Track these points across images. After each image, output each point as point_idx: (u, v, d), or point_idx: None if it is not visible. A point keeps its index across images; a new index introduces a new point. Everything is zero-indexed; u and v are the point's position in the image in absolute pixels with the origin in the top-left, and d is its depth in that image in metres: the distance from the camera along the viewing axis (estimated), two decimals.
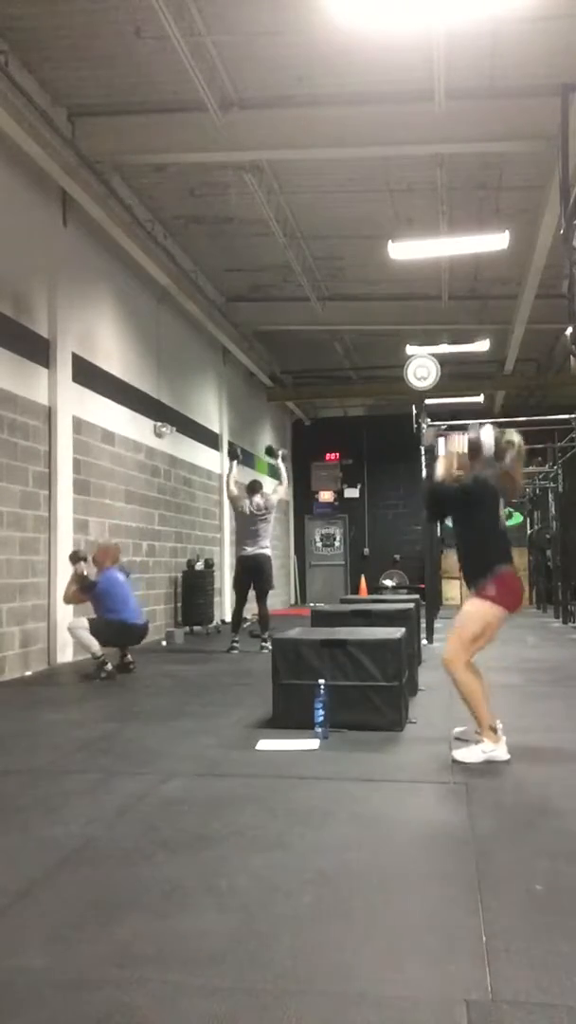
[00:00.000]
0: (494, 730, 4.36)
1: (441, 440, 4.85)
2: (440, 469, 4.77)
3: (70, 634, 7.68)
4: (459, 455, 4.71)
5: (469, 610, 4.51)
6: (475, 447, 4.63)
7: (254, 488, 9.85)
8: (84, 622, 7.53)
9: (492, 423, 4.74)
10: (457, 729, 4.77)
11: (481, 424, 4.69)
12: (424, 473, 4.87)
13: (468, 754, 4.34)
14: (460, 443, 4.74)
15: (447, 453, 4.81)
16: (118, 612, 7.67)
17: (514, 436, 4.75)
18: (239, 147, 8.83)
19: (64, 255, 9.01)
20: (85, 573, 7.68)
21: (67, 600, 7.96)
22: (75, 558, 7.81)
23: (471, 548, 4.65)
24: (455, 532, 4.82)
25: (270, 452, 10.73)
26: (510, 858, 3.00)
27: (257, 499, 9.70)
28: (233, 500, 9.90)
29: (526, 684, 7.12)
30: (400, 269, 12.17)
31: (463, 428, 4.81)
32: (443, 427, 11.79)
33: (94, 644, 7.45)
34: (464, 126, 8.45)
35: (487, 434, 4.65)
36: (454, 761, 4.30)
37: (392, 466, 20.18)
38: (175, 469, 12.62)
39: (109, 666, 7.43)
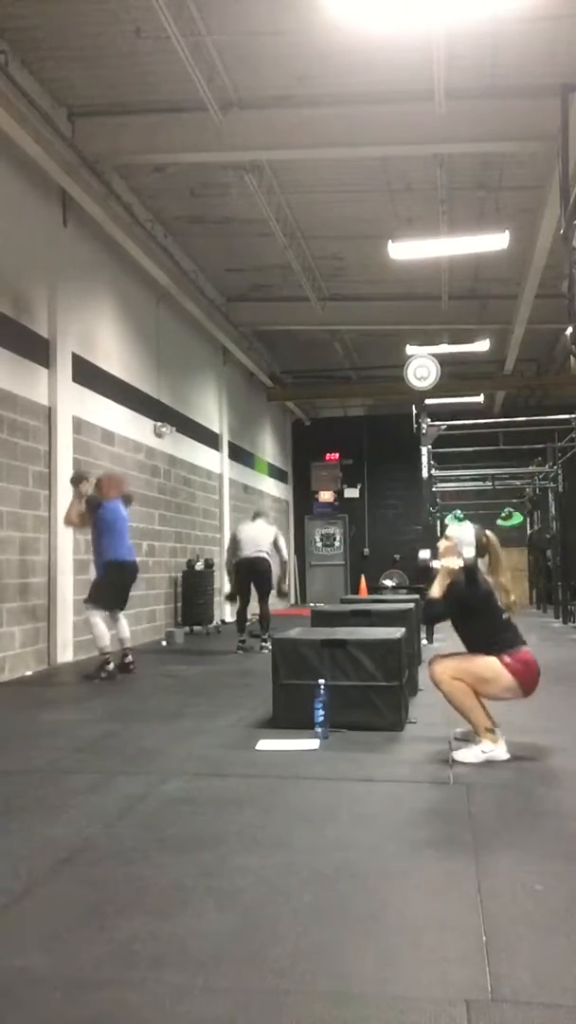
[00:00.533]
0: (491, 731, 4.37)
1: (435, 561, 4.79)
2: (436, 589, 4.63)
3: (88, 622, 7.69)
4: (450, 570, 4.60)
5: (488, 659, 4.39)
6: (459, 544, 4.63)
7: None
8: (98, 614, 7.54)
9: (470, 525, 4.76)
10: (457, 730, 4.77)
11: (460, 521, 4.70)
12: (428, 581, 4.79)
13: (468, 754, 4.34)
14: (452, 559, 4.63)
15: (441, 568, 4.68)
16: (115, 549, 7.70)
17: (488, 533, 4.74)
18: (239, 147, 8.84)
19: (64, 255, 9.01)
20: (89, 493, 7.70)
21: (68, 521, 7.89)
22: (78, 478, 7.81)
23: (475, 644, 4.56)
24: (457, 629, 4.71)
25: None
26: (510, 858, 3.00)
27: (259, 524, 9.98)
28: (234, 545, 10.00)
29: None
30: (400, 269, 12.18)
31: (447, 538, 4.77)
32: (443, 426, 11.82)
33: (104, 638, 7.50)
34: (464, 126, 8.45)
35: (467, 531, 4.68)
36: (454, 761, 4.30)
37: (392, 466, 20.18)
38: (175, 469, 12.62)
39: (111, 666, 7.42)
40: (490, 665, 4.38)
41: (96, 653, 7.67)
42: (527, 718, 5.48)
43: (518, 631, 4.58)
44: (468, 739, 4.55)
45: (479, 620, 4.52)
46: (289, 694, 5.16)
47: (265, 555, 9.70)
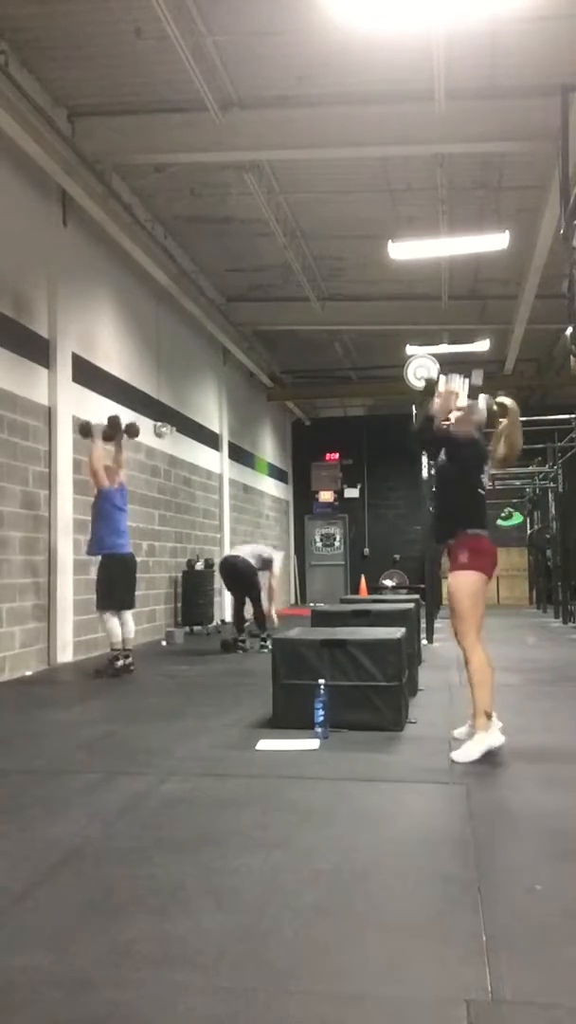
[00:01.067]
0: (488, 717, 4.40)
1: (442, 377, 4.76)
2: (437, 406, 4.69)
3: (100, 619, 7.87)
4: (458, 403, 4.64)
5: (452, 591, 4.57)
6: (472, 408, 4.66)
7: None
8: (109, 614, 7.77)
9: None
10: (456, 731, 4.77)
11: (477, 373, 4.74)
12: (421, 411, 4.78)
13: (465, 753, 4.34)
14: (460, 384, 4.69)
15: (446, 391, 4.72)
16: (112, 541, 7.85)
17: (506, 400, 4.76)
18: (239, 147, 8.84)
19: (64, 255, 9.01)
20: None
21: (95, 466, 7.89)
22: (86, 430, 8.03)
23: (452, 504, 4.69)
24: (436, 484, 4.82)
25: None
26: (510, 858, 3.00)
27: None
28: None
29: (526, 684, 7.11)
30: (400, 269, 12.18)
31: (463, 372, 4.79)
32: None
33: (116, 634, 7.72)
34: (464, 126, 8.45)
35: (481, 398, 4.68)
36: (453, 762, 4.30)
37: (392, 466, 20.18)
38: (175, 469, 12.62)
39: (121, 662, 7.59)
40: (463, 595, 4.48)
41: (108, 650, 7.88)
42: (527, 718, 5.49)
43: (479, 511, 4.67)
44: (466, 740, 4.53)
45: (472, 476, 4.60)
46: (289, 694, 5.16)
47: (244, 557, 9.75)
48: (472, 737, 4.42)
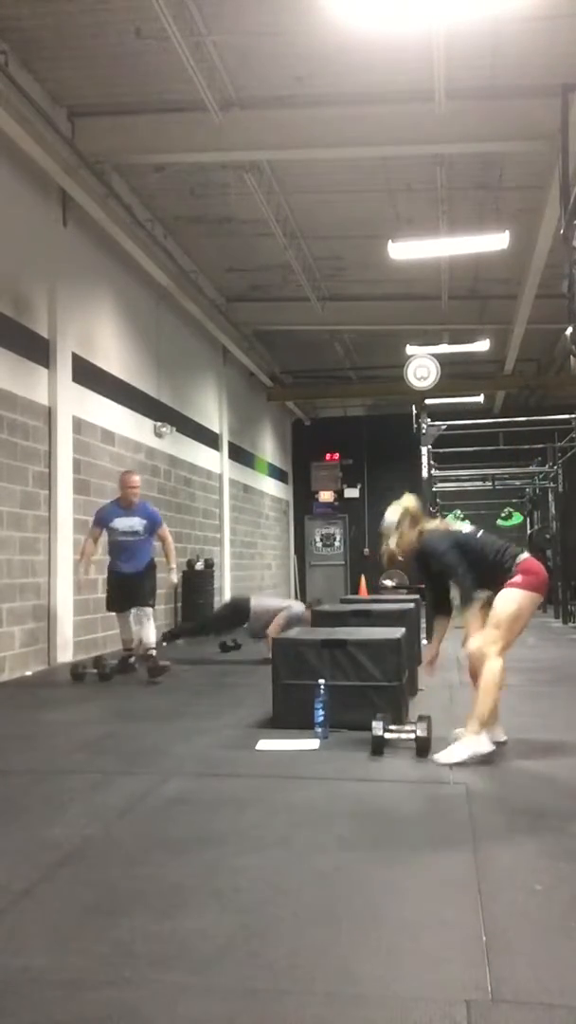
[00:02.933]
0: (483, 725, 4.35)
1: (390, 524, 4.84)
2: (396, 550, 4.75)
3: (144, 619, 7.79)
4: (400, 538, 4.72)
5: (504, 599, 4.49)
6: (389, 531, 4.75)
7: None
8: (118, 616, 8.03)
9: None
10: (459, 730, 4.76)
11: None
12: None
13: (449, 754, 4.30)
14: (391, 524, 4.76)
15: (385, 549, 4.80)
16: (112, 561, 7.94)
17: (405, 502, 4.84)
18: (239, 147, 8.84)
19: (64, 255, 9.01)
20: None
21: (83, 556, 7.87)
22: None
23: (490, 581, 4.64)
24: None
25: None
26: (510, 858, 3.00)
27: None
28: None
29: (526, 684, 7.11)
30: (400, 269, 12.17)
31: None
32: (443, 426, 11.83)
33: (126, 633, 7.98)
34: (464, 126, 8.45)
35: (390, 512, 4.78)
36: (438, 763, 4.25)
37: (392, 466, 20.12)
38: (175, 469, 12.62)
39: (132, 659, 7.81)
40: (510, 603, 4.44)
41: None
42: (527, 718, 5.48)
43: (507, 548, 4.70)
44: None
45: (478, 564, 4.56)
46: (289, 694, 5.16)
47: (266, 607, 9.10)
48: (460, 740, 4.37)
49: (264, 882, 2.79)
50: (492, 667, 4.40)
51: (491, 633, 4.46)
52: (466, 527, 5.12)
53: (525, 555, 4.65)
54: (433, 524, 4.89)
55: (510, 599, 4.47)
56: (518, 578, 4.50)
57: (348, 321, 15.15)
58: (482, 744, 4.33)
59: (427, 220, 11.06)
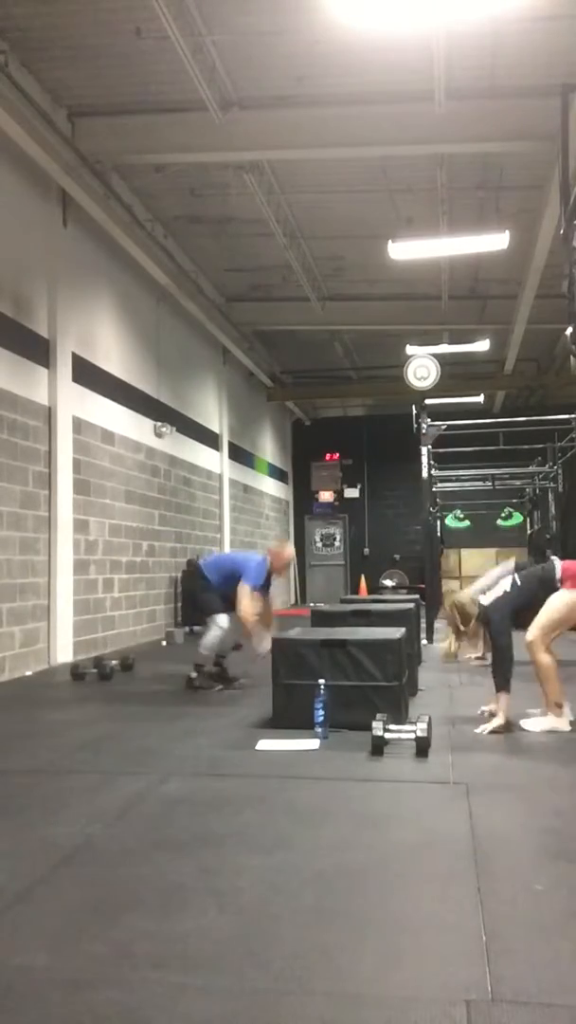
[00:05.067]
0: (560, 706, 5.03)
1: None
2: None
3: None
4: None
5: (555, 601, 5.12)
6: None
7: None
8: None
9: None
10: (484, 708, 5.42)
11: None
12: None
13: (532, 724, 5.04)
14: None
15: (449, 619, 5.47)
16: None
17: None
18: (239, 147, 8.83)
19: (64, 255, 9.01)
20: None
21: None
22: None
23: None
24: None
25: None
26: (510, 858, 3.00)
27: None
28: None
29: (526, 684, 7.10)
30: (400, 269, 12.17)
31: None
32: (443, 426, 11.83)
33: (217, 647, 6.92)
34: (464, 126, 8.45)
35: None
36: (522, 728, 5.00)
37: (392, 466, 20.16)
38: (175, 469, 12.62)
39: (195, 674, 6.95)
40: (560, 604, 5.07)
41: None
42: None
43: (542, 563, 5.50)
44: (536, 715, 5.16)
45: (530, 606, 5.19)
46: (289, 694, 5.16)
47: None
48: (545, 715, 5.10)
49: (264, 882, 2.79)
50: (539, 661, 5.08)
51: (535, 632, 5.10)
52: (500, 573, 6.01)
53: (557, 563, 5.31)
54: (466, 596, 5.47)
55: (563, 604, 5.10)
56: (567, 580, 5.15)
57: (348, 321, 15.15)
58: (560, 723, 5.01)
59: (427, 220, 11.06)
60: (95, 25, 7.30)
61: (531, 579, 5.29)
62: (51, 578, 8.53)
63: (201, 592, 7.07)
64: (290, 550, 7.46)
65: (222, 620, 6.76)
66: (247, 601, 6.54)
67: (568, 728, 4.99)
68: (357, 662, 5.11)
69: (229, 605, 6.70)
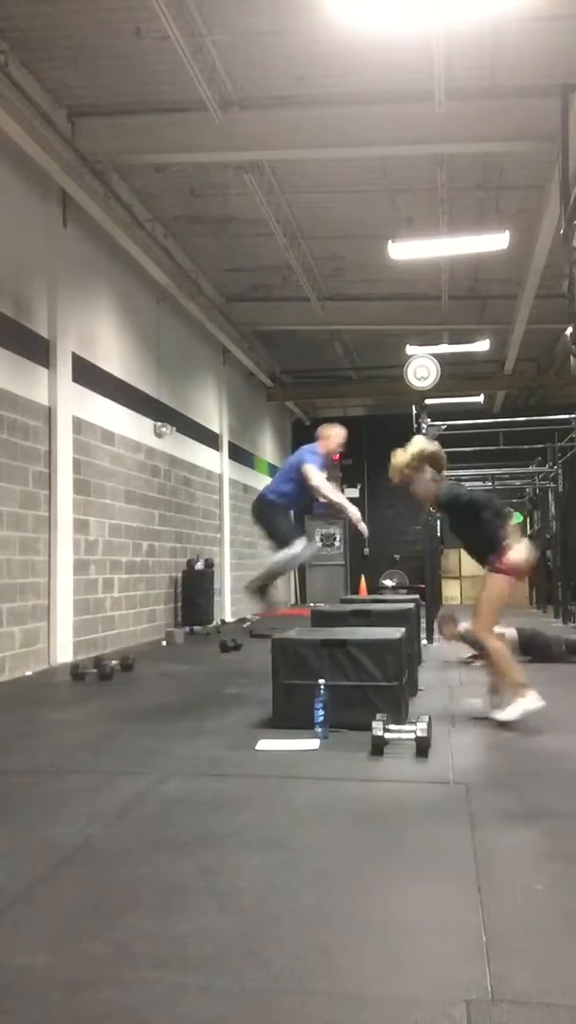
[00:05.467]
0: (524, 685, 5.08)
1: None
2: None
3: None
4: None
5: (489, 587, 5.22)
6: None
7: None
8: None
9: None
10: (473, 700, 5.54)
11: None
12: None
13: (506, 713, 5.05)
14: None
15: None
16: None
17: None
18: (239, 147, 8.83)
19: (64, 255, 9.01)
20: None
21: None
22: None
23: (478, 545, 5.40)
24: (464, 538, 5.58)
25: None
26: (510, 858, 3.00)
27: None
28: None
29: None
30: (400, 269, 12.18)
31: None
32: (443, 426, 11.83)
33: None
34: (464, 126, 8.45)
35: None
36: (497, 722, 5.04)
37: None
38: (175, 469, 12.62)
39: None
40: (495, 588, 5.16)
41: None
42: (528, 717, 5.47)
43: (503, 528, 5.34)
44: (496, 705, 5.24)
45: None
46: (289, 694, 5.16)
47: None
48: (497, 705, 5.18)
49: (264, 882, 2.79)
50: (491, 647, 5.19)
51: (479, 619, 5.24)
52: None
53: (503, 546, 5.22)
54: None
55: (498, 588, 5.17)
56: (500, 566, 5.16)
57: (348, 321, 15.15)
58: (530, 703, 5.04)
59: (427, 220, 11.06)
60: (95, 25, 7.31)
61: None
62: (51, 578, 8.53)
63: (276, 521, 6.81)
64: (338, 428, 7.14)
65: (300, 544, 6.65)
66: (318, 476, 6.59)
67: (542, 702, 5.07)
68: (357, 662, 5.11)
69: (301, 517, 6.62)
